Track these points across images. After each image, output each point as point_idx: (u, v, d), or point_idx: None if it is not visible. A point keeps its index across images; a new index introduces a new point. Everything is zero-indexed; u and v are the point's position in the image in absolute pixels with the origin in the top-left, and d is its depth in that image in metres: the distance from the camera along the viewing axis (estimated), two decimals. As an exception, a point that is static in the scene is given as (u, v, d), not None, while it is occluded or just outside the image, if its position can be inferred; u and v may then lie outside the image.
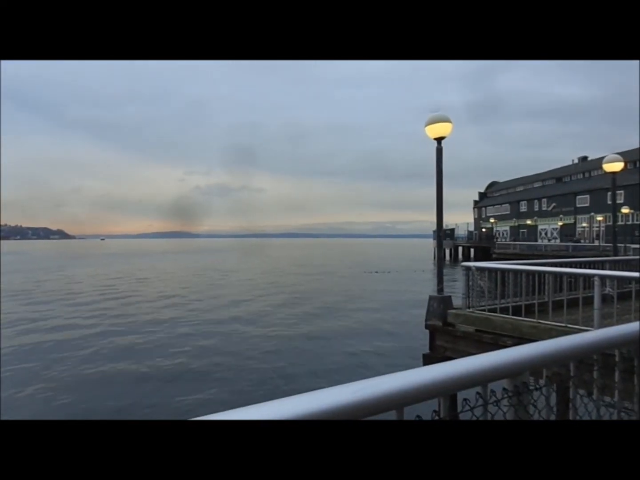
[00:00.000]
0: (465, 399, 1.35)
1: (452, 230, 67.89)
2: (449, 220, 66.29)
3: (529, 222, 70.98)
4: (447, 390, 1.30)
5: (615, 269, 9.24)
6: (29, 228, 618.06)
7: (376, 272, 43.59)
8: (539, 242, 57.78)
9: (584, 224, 59.74)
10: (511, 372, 1.46)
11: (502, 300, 7.08)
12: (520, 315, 6.66)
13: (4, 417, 8.28)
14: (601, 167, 12.87)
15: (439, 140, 7.98)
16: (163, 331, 17.17)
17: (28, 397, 10.20)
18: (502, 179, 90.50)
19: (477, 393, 1.40)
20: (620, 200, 45.33)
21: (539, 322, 6.38)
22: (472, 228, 76.50)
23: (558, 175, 73.46)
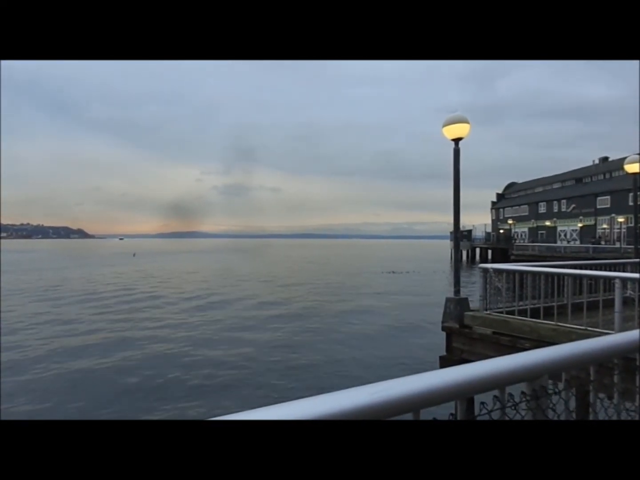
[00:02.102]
0: (482, 403, 1.34)
1: (470, 231, 67.29)
2: (466, 222, 65.84)
3: (548, 223, 69.94)
4: (464, 394, 1.30)
5: (637, 272, 9.07)
6: (50, 227, 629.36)
7: (393, 272, 43.80)
8: (558, 243, 56.95)
9: (605, 226, 58.72)
10: (529, 375, 1.45)
11: (520, 303, 7.00)
12: (539, 318, 6.57)
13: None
14: (622, 168, 12.64)
15: (457, 141, 7.92)
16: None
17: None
18: (520, 179, 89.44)
19: (495, 396, 1.39)
20: (642, 201, 44.35)
21: (558, 325, 6.29)
22: (489, 229, 75.73)
23: (578, 176, 72.26)
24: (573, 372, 1.67)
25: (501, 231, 72.67)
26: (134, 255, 71.28)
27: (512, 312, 7.00)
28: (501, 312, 7.14)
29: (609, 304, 6.01)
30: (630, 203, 44.33)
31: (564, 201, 68.60)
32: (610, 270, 8.39)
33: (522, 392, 1.46)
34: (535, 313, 6.69)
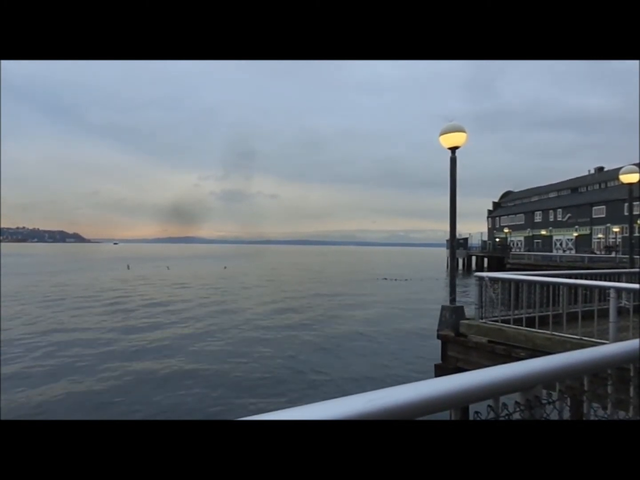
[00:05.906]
0: (476, 412, 1.34)
1: (466, 239, 67.33)
2: (462, 230, 65.78)
3: (543, 232, 70.18)
4: (459, 403, 1.30)
5: (631, 282, 9.10)
6: (45, 231, 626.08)
7: (386, 278, 44.04)
8: (554, 252, 57.12)
9: (600, 235, 58.95)
10: (523, 385, 1.45)
11: (516, 311, 7.00)
12: (534, 327, 6.58)
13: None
14: (618, 178, 12.72)
15: (453, 149, 7.96)
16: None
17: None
18: (517, 188, 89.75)
19: (489, 406, 1.40)
20: (637, 211, 44.60)
21: (553, 334, 6.30)
22: (486, 238, 75.84)
23: (574, 186, 72.62)
24: (567, 382, 1.68)
25: (497, 240, 72.80)
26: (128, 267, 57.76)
27: (507, 321, 7.00)
28: (496, 321, 7.14)
29: (604, 314, 6.02)
30: (626, 213, 44.52)
31: (559, 210, 68.92)
32: (605, 280, 8.41)
33: (516, 402, 1.47)
34: (530, 322, 6.69)
